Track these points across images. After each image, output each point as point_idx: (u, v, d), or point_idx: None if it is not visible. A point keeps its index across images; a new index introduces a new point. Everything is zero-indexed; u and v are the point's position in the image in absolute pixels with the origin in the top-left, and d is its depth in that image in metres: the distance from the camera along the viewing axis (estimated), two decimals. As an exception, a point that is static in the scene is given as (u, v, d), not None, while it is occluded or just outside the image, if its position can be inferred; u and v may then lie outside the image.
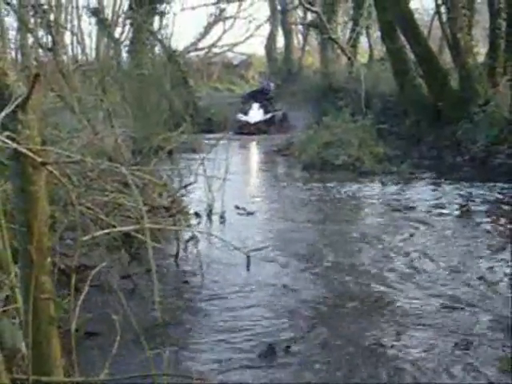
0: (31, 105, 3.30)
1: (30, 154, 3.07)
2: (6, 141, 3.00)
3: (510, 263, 9.30)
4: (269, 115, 33.40)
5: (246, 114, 33.85)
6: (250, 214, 13.33)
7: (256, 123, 32.76)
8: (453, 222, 12.56)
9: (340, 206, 14.38)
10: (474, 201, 14.10)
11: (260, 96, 35.45)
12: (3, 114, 3.05)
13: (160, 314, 3.63)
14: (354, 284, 8.68)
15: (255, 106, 34.29)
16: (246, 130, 32.04)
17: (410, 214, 13.11)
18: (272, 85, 36.55)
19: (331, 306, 7.95)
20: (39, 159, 3.11)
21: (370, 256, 10.08)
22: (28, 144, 3.17)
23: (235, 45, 49.40)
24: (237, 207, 13.53)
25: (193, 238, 9.78)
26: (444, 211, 13.31)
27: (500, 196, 14.36)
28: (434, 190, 15.56)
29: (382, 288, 8.45)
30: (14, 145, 3.01)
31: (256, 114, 33.77)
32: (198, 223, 12.22)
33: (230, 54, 50.86)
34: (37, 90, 3.29)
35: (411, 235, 11.26)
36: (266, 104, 34.33)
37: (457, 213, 13.15)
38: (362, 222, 13.19)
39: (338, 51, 33.79)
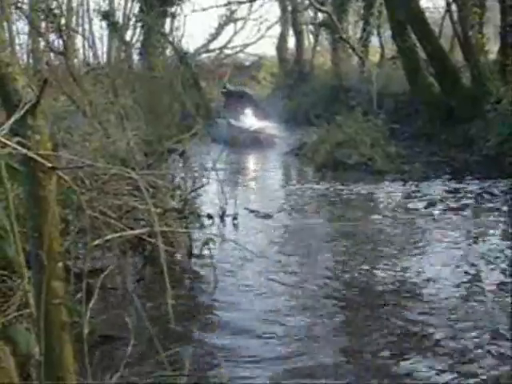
0: (41, 109, 3.30)
1: (40, 159, 3.07)
2: (17, 146, 3.00)
3: None
4: (263, 123, 28.92)
5: (236, 119, 29.05)
6: (267, 216, 13.21)
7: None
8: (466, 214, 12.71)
9: (358, 207, 14.36)
10: (485, 197, 14.17)
11: (245, 101, 31.23)
12: (12, 119, 3.05)
13: (171, 317, 3.62)
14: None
15: (248, 111, 29.99)
16: (244, 139, 26.39)
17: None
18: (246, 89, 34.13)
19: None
20: (49, 164, 3.11)
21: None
22: (38, 149, 3.16)
23: (246, 46, 49.34)
24: (251, 210, 13.46)
25: (208, 241, 9.71)
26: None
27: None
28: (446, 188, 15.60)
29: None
30: (24, 150, 3.01)
31: (251, 120, 29.17)
32: (211, 225, 12.20)
33: (241, 56, 50.77)
34: (46, 95, 3.29)
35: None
36: (256, 110, 30.42)
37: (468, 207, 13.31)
38: (380, 220, 13.08)
39: (349, 51, 33.76)
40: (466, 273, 9.15)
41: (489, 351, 6.44)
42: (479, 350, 6.49)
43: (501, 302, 7.85)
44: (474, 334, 6.89)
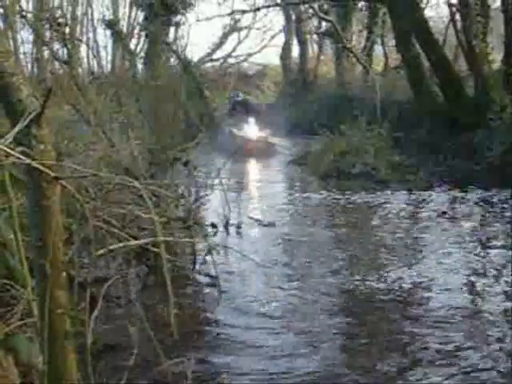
0: (45, 119, 3.31)
1: (44, 168, 3.07)
2: (20, 156, 3.01)
3: None
4: (267, 132, 28.83)
5: (240, 128, 28.84)
6: (270, 225, 13.19)
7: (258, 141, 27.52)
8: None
9: (361, 216, 14.35)
10: (488, 206, 14.18)
11: (249, 111, 31.97)
12: (16, 128, 3.06)
13: (174, 327, 3.63)
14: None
15: (252, 120, 29.69)
16: (247, 148, 25.51)
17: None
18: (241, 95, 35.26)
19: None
20: (53, 174, 3.11)
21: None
22: (42, 159, 3.17)
23: (250, 55, 49.36)
24: (256, 219, 13.44)
25: (211, 250, 9.68)
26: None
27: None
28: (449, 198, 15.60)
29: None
30: (28, 160, 3.01)
31: (255, 129, 28.83)
32: (215, 234, 12.20)
33: (245, 65, 50.79)
34: (51, 104, 3.30)
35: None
36: (260, 119, 30.23)
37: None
38: (383, 229, 13.03)
39: (353, 60, 33.74)
40: (464, 281, 9.18)
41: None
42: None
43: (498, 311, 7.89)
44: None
